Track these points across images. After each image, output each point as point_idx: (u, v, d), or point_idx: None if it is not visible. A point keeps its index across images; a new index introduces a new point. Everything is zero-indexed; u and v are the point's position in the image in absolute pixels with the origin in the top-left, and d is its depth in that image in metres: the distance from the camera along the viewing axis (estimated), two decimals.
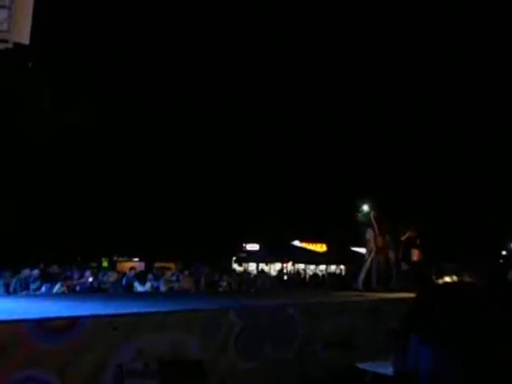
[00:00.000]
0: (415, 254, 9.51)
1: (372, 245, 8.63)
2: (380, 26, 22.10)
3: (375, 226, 8.77)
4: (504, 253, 31.31)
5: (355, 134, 24.17)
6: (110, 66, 17.73)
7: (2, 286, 8.40)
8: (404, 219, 10.72)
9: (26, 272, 8.95)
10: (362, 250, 9.90)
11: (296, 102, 22.90)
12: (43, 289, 8.41)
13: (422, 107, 23.34)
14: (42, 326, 2.95)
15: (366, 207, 24.37)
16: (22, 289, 8.39)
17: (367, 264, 8.58)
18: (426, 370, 0.52)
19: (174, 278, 10.47)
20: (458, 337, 0.52)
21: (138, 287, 9.22)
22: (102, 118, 17.79)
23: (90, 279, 9.50)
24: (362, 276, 8.54)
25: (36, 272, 8.92)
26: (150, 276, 10.27)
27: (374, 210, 10.32)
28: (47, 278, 8.97)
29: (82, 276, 9.68)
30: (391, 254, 9.04)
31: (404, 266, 9.29)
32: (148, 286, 9.38)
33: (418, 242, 9.59)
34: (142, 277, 9.91)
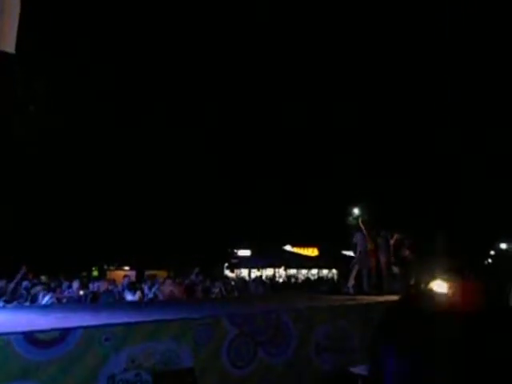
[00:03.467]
0: (407, 253, 9.54)
1: (360, 249, 8.70)
2: (376, 28, 22.29)
3: (364, 230, 8.85)
4: (492, 252, 31.70)
5: (345, 140, 24.37)
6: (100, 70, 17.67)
7: None
8: (392, 222, 10.79)
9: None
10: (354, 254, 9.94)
11: (287, 105, 23.02)
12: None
13: (412, 112, 23.61)
14: (31, 338, 2.92)
15: (356, 211, 24.53)
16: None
17: (356, 268, 8.65)
18: (390, 380, 0.53)
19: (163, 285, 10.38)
20: (417, 350, 0.53)
21: (129, 296, 9.12)
22: (92, 127, 17.70)
23: (81, 292, 9.36)
24: (352, 280, 8.60)
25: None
26: (143, 284, 10.18)
27: (364, 213, 10.40)
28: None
29: (70, 286, 9.54)
30: (382, 258, 9.10)
31: (395, 270, 9.35)
32: (138, 294, 9.29)
33: (407, 242, 9.64)
34: (132, 286, 9.81)
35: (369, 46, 22.46)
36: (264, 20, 20.17)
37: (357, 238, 8.80)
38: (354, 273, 8.59)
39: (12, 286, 9.09)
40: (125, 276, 10.82)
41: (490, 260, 29.61)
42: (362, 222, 9.11)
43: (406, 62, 23.01)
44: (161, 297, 9.16)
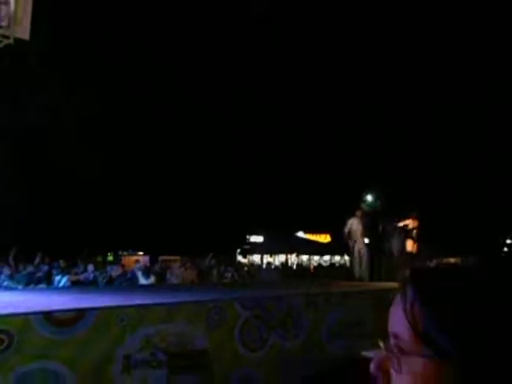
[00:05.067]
0: (409, 245, 9.20)
1: (357, 235, 8.69)
2: (379, 28, 21.92)
3: (360, 217, 8.80)
4: (508, 241, 31.20)
5: (356, 126, 24.10)
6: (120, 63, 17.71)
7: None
8: (406, 208, 10.55)
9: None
10: (366, 241, 9.83)
11: (300, 96, 22.83)
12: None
13: (422, 100, 23.20)
14: (49, 318, 2.99)
15: (369, 197, 24.29)
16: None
17: (367, 255, 8.63)
18: None
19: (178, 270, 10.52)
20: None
21: (143, 280, 9.29)
22: (109, 111, 17.81)
23: (96, 275, 9.56)
24: (357, 267, 8.61)
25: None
26: (155, 268, 10.35)
27: (377, 200, 10.28)
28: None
29: (85, 269, 9.75)
30: (395, 245, 9.03)
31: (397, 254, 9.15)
32: (152, 278, 9.45)
33: (415, 233, 9.27)
34: (146, 270, 9.97)
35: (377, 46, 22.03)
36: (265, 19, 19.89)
37: (349, 227, 8.79)
38: (357, 261, 8.59)
39: (30, 269, 9.33)
40: (136, 261, 11.03)
41: (506, 249, 29.15)
42: (372, 209, 9.07)
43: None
44: (174, 281, 9.30)
